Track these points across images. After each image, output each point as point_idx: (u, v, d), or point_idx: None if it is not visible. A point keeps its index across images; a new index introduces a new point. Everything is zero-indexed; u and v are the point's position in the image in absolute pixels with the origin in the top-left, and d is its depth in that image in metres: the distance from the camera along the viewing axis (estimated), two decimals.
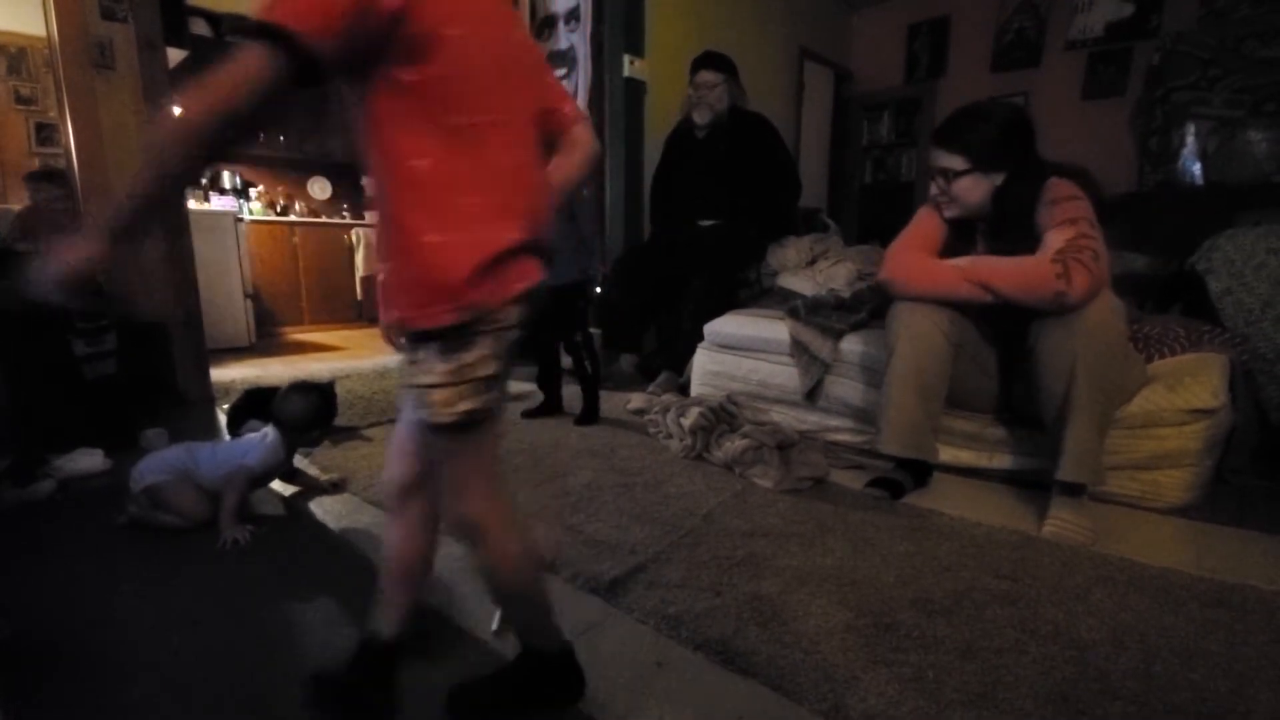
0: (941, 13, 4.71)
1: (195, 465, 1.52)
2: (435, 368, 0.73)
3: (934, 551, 1.37)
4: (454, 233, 0.71)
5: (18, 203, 3.53)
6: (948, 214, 1.66)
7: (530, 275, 0.78)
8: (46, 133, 4.40)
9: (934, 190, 1.65)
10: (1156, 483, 1.59)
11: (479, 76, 0.73)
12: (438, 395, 0.73)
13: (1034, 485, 1.69)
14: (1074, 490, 1.50)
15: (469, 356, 0.73)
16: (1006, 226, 1.58)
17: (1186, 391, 1.56)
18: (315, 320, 5.18)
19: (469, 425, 0.76)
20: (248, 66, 0.61)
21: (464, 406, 0.74)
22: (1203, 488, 1.60)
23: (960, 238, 1.69)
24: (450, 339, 0.72)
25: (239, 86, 0.61)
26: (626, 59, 3.14)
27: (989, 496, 1.71)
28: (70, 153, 2.46)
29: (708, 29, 3.65)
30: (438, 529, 0.94)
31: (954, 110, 1.63)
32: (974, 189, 1.58)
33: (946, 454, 1.81)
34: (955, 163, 1.58)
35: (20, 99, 4.39)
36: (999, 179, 1.56)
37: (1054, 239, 1.46)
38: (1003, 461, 1.78)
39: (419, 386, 0.74)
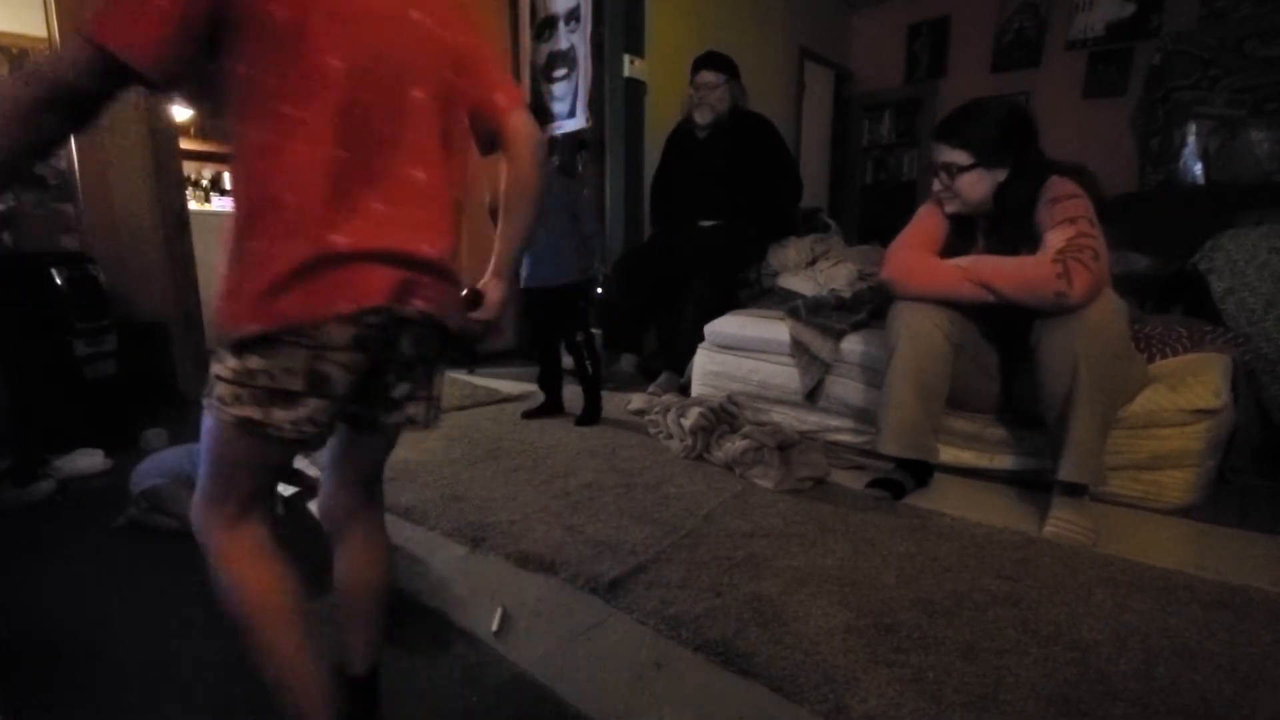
0: (941, 13, 4.70)
1: (194, 468, 1.52)
2: (226, 361, 0.68)
3: (935, 552, 1.37)
4: (260, 237, 0.67)
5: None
6: (949, 209, 1.66)
7: (369, 295, 0.69)
8: None
9: (936, 186, 1.65)
10: (1158, 483, 1.58)
11: (320, 62, 0.66)
12: (223, 389, 0.68)
13: (1035, 486, 1.69)
14: (1075, 491, 1.49)
15: (255, 362, 0.67)
16: (1006, 223, 1.58)
17: (1188, 391, 1.55)
18: None
19: (245, 431, 0.69)
20: (75, 66, 0.60)
21: (243, 412, 0.68)
22: (1205, 488, 1.60)
23: (961, 235, 1.69)
24: (245, 340, 0.67)
25: (58, 84, 0.61)
26: (627, 59, 3.13)
27: (990, 497, 1.71)
28: (71, 154, 2.47)
29: (708, 29, 3.65)
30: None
31: (956, 107, 1.63)
32: (977, 184, 1.58)
33: (947, 454, 1.80)
34: (959, 157, 1.57)
35: None
36: (1002, 175, 1.56)
37: (1054, 238, 1.45)
38: (1004, 462, 1.77)
39: (212, 375, 0.70)
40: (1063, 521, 1.46)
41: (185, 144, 3.89)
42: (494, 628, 1.11)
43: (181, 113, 3.92)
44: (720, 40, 3.30)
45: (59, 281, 2.03)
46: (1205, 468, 1.57)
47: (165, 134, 2.64)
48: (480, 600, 1.20)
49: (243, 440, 0.70)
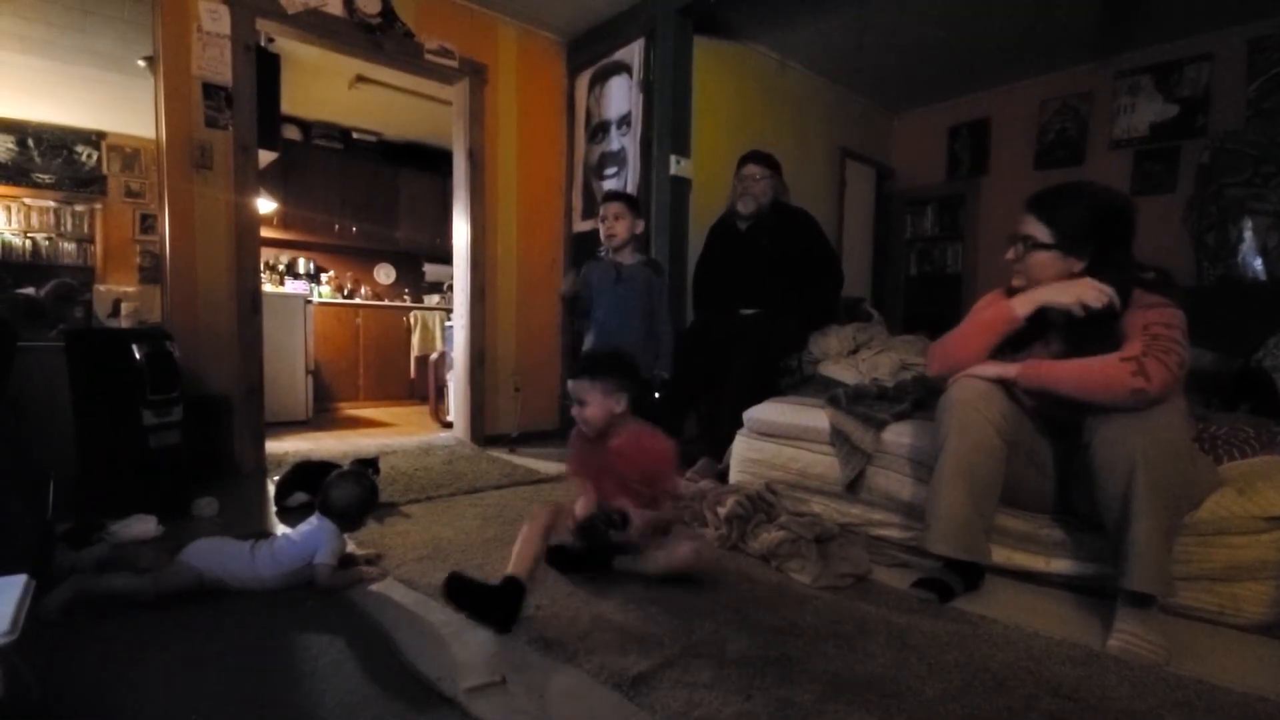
0: (981, 115, 4.84)
1: (254, 565, 1.56)
2: None
3: (985, 663, 1.28)
4: None
5: (118, 284, 3.92)
6: (1015, 282, 1.64)
7: None
8: (150, 222, 4.89)
9: (1010, 255, 1.63)
10: (1236, 596, 1.45)
11: None
12: None
13: (1098, 593, 1.57)
14: (1143, 601, 1.38)
15: None
16: (1091, 324, 1.48)
17: (1260, 497, 1.45)
18: (369, 396, 5.38)
19: None
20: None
21: None
22: None
23: (1034, 332, 1.61)
24: None
25: None
26: (673, 159, 3.32)
27: (1048, 604, 1.59)
28: (164, 241, 2.72)
29: (752, 129, 3.85)
30: None
31: (1061, 181, 1.64)
32: (1048, 267, 1.55)
33: (1000, 555, 1.70)
34: (1040, 233, 1.55)
35: (130, 192, 4.95)
36: (1077, 266, 1.52)
37: (1138, 343, 1.40)
38: (1063, 566, 1.66)
39: None
40: (1129, 635, 1.34)
41: (266, 231, 4.24)
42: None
43: (265, 205, 4.30)
44: (761, 142, 3.46)
45: (137, 355, 2.18)
46: None
47: (249, 226, 2.89)
48: (498, 690, 1.17)
49: None
